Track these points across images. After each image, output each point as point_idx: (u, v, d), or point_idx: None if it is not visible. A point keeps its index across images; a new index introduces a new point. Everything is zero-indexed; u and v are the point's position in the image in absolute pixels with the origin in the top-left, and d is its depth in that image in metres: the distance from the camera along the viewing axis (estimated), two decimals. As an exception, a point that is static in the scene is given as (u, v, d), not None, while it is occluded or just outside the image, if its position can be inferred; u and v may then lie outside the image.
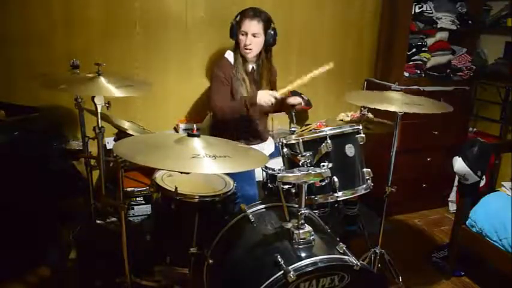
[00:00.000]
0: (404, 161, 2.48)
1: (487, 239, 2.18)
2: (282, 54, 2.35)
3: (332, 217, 2.26)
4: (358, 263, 1.35)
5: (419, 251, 2.67)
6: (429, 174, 3.16)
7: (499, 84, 3.09)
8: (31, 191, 2.08)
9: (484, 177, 2.51)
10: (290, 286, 1.29)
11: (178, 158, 1.32)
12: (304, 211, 1.44)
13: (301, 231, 1.43)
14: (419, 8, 2.90)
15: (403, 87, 2.04)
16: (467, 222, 2.29)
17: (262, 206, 1.73)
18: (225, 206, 1.85)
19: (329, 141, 1.55)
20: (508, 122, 3.08)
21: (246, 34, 2.22)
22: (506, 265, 2.07)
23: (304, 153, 1.56)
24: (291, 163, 1.62)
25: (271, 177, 1.80)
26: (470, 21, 3.06)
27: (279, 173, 1.44)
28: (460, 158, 2.22)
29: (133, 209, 2.27)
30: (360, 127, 1.65)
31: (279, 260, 1.33)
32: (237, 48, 2.31)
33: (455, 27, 3.00)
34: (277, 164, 1.82)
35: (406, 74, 2.96)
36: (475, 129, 3.32)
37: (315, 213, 1.84)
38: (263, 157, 1.52)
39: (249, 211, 1.68)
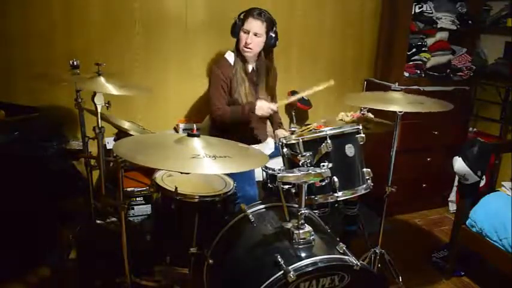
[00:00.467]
0: (404, 161, 2.48)
1: (487, 239, 2.18)
2: (282, 54, 2.35)
3: (332, 217, 2.25)
4: (358, 263, 1.35)
5: (419, 251, 2.67)
6: (429, 174, 3.16)
7: (499, 84, 3.09)
8: (31, 191, 2.08)
9: (484, 177, 2.51)
10: (290, 286, 1.29)
11: (178, 158, 1.32)
12: (304, 211, 1.44)
13: (301, 231, 1.43)
14: (419, 8, 2.90)
15: (403, 87, 2.04)
16: (467, 222, 2.29)
17: (262, 206, 1.73)
18: (225, 206, 1.85)
19: (329, 141, 1.55)
20: (508, 122, 3.08)
21: (248, 32, 2.22)
22: (506, 265, 2.07)
23: (304, 153, 1.56)
24: (291, 163, 1.62)
25: (271, 177, 1.80)
26: (470, 21, 3.06)
27: (279, 173, 1.43)
28: (460, 158, 2.22)
29: (133, 209, 2.26)
30: (360, 127, 1.65)
31: (279, 260, 1.33)
32: (237, 48, 2.31)
33: (455, 27, 3.01)
34: (277, 164, 1.82)
35: (406, 74, 2.96)
36: (475, 129, 3.32)
37: (315, 213, 1.84)
38: (263, 157, 1.52)
39: (249, 211, 1.68)
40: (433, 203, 3.34)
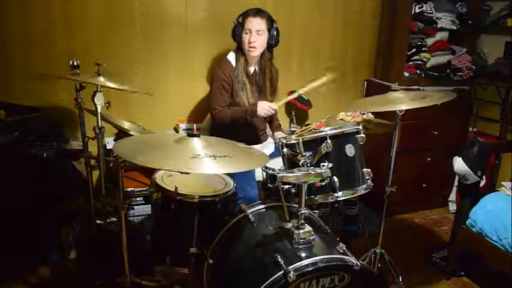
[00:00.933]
0: (404, 161, 2.48)
1: (487, 239, 2.18)
2: (282, 54, 2.35)
3: (332, 217, 2.25)
4: (358, 263, 1.35)
5: (419, 251, 2.67)
6: (429, 174, 3.16)
7: (499, 84, 3.09)
8: (31, 191, 2.08)
9: (484, 177, 2.51)
10: (290, 286, 1.29)
11: (178, 158, 1.32)
12: (304, 211, 1.44)
13: (301, 231, 1.43)
14: (419, 8, 2.90)
15: (403, 87, 2.03)
16: (467, 222, 2.29)
17: (262, 206, 1.73)
18: (225, 206, 1.85)
19: (329, 141, 1.54)
20: (508, 122, 3.08)
21: (250, 32, 2.22)
22: (506, 265, 2.07)
23: (304, 153, 1.56)
24: (291, 163, 1.62)
25: (271, 177, 1.80)
26: (470, 21, 3.06)
27: (279, 173, 1.43)
28: (460, 158, 2.22)
29: (133, 209, 2.27)
30: (360, 127, 1.65)
31: (279, 260, 1.33)
32: (239, 50, 2.30)
33: (455, 27, 3.01)
34: (277, 164, 1.82)
35: (406, 74, 2.96)
36: (475, 129, 3.31)
37: (315, 213, 1.84)
38: (263, 157, 1.52)
39: (249, 211, 1.68)
40: (433, 203, 3.33)
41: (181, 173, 1.44)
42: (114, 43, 2.54)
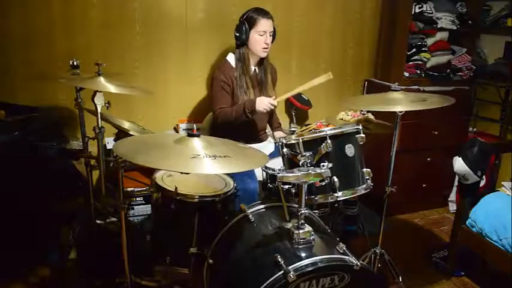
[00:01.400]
0: (404, 161, 2.48)
1: (487, 239, 2.18)
2: (282, 54, 2.35)
3: (332, 217, 2.25)
4: (358, 263, 1.35)
5: (419, 251, 2.67)
6: (429, 174, 3.16)
7: (499, 84, 3.09)
8: (31, 191, 2.08)
9: (484, 177, 2.51)
10: (290, 286, 1.29)
11: (178, 158, 1.32)
12: (304, 211, 1.44)
13: (301, 231, 1.43)
14: (419, 8, 2.90)
15: (403, 87, 2.04)
16: (467, 222, 2.29)
17: (262, 206, 1.73)
18: (225, 206, 1.85)
19: (329, 141, 1.54)
20: (508, 122, 3.08)
21: (265, 33, 2.23)
22: (506, 265, 2.07)
23: (304, 153, 1.56)
24: (291, 163, 1.62)
25: (271, 177, 1.80)
26: (470, 21, 3.06)
27: (279, 173, 1.43)
28: (460, 158, 2.22)
29: (133, 209, 2.27)
30: (360, 127, 1.65)
31: (279, 260, 1.33)
32: (241, 50, 2.29)
33: (455, 27, 3.01)
34: (277, 164, 1.82)
35: (406, 74, 2.96)
36: (475, 129, 3.31)
37: (315, 213, 1.84)
38: (263, 157, 1.52)
39: (249, 211, 1.68)
40: (433, 203, 3.34)
41: (181, 173, 1.43)
42: (114, 43, 2.53)
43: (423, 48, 2.95)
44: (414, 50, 2.94)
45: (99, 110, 1.74)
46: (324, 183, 1.55)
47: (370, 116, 2.28)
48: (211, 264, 1.66)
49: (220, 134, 2.33)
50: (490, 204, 2.25)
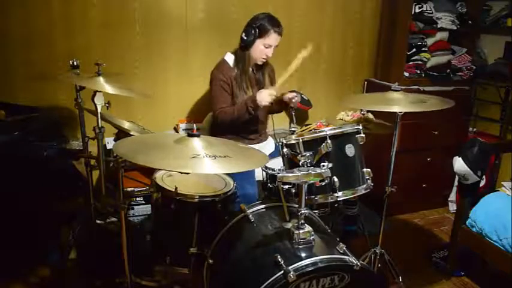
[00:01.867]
0: (404, 161, 2.48)
1: (487, 239, 2.18)
2: (282, 54, 2.35)
3: (332, 217, 2.25)
4: (358, 263, 1.35)
5: (419, 251, 2.67)
6: (429, 174, 3.16)
7: (499, 84, 3.09)
8: (31, 191, 2.08)
9: (484, 177, 2.51)
10: (290, 286, 1.29)
11: (178, 158, 1.32)
12: (304, 211, 1.44)
13: (301, 231, 1.43)
14: (419, 8, 2.90)
15: (403, 87, 2.04)
16: (467, 222, 2.29)
17: (262, 206, 1.73)
18: (225, 206, 1.85)
19: (329, 141, 1.54)
20: (508, 122, 3.08)
21: (270, 47, 2.23)
22: (506, 265, 2.07)
23: (304, 153, 1.56)
24: (291, 163, 1.62)
25: (271, 177, 1.80)
26: (470, 21, 3.06)
27: (279, 173, 1.43)
28: (460, 158, 2.22)
29: (133, 209, 2.27)
30: (360, 127, 1.65)
31: (279, 260, 1.33)
32: (241, 51, 2.29)
33: (455, 27, 3.01)
34: (277, 164, 1.82)
35: (406, 74, 2.96)
36: (475, 129, 3.31)
37: (315, 213, 1.84)
38: (263, 157, 1.52)
39: (249, 211, 1.68)
40: (433, 203, 3.34)
41: (181, 173, 1.43)
42: (114, 43, 2.53)
43: (423, 48, 2.95)
44: (414, 50, 2.94)
45: (99, 110, 1.74)
46: (324, 183, 1.55)
47: (370, 116, 2.28)
48: (211, 264, 1.66)
49: (220, 134, 2.35)
50: (490, 204, 2.25)
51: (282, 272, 1.29)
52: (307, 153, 1.56)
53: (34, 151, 2.14)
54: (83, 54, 2.28)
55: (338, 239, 1.54)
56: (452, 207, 3.25)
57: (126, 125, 2.11)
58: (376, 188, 1.72)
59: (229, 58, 2.33)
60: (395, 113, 1.95)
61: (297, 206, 1.47)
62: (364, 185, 1.65)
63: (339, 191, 1.57)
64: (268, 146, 2.50)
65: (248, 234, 1.62)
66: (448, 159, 2.39)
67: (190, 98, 2.81)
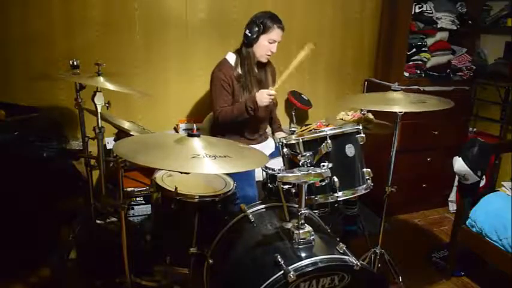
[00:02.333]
0: (404, 161, 2.48)
1: (487, 239, 2.17)
2: (282, 54, 2.35)
3: (332, 217, 2.25)
4: (358, 263, 1.35)
5: (419, 251, 2.67)
6: (429, 174, 3.16)
7: (499, 84, 3.09)
8: (31, 191, 2.08)
9: (484, 177, 2.51)
10: (290, 286, 1.30)
11: (178, 158, 1.32)
12: (304, 211, 1.44)
13: (301, 231, 1.43)
14: (419, 8, 2.90)
15: (403, 87, 2.04)
16: (467, 222, 2.29)
17: (262, 206, 1.74)
18: (225, 206, 1.85)
19: (329, 141, 1.54)
20: (508, 122, 3.08)
21: (274, 42, 2.25)
22: (506, 265, 2.07)
23: (304, 153, 1.56)
24: (291, 163, 1.62)
25: (271, 177, 1.80)
26: (470, 21, 3.06)
27: (279, 173, 1.43)
28: (460, 158, 2.22)
29: (133, 209, 2.27)
30: (360, 127, 1.65)
31: (279, 260, 1.33)
32: (243, 50, 2.29)
33: (455, 27, 3.00)
34: (277, 164, 1.82)
35: (406, 74, 2.96)
36: (475, 129, 3.31)
37: (315, 213, 1.84)
38: (263, 157, 1.52)
39: (249, 211, 1.69)
40: (433, 203, 3.33)
41: (181, 173, 1.43)
42: (114, 43, 2.54)
43: (423, 48, 2.95)
44: (414, 50, 2.94)
45: (99, 110, 1.74)
46: (324, 183, 1.55)
47: (370, 116, 2.27)
48: (211, 264, 1.66)
49: (220, 134, 2.35)
50: (490, 204, 2.25)
51: (282, 272, 1.29)
52: (307, 153, 1.56)
53: (34, 151, 2.15)
54: (83, 54, 2.28)
55: (338, 239, 1.54)
56: (452, 207, 3.24)
57: (126, 125, 2.11)
58: (376, 188, 1.72)
59: (231, 58, 2.33)
60: (395, 113, 1.95)
61: (297, 206, 1.47)
62: (364, 185, 1.65)
63: (339, 191, 1.57)
64: (268, 146, 2.50)
65: (248, 234, 1.62)
66: (448, 159, 2.39)
67: (190, 98, 2.81)
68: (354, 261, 1.35)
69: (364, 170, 1.66)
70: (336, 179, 1.55)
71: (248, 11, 2.42)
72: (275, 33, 2.23)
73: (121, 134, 1.95)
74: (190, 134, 1.42)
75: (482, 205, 2.27)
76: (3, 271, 2.10)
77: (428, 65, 3.02)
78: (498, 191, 2.44)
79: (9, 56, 2.36)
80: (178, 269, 1.84)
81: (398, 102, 1.88)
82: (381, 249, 2.16)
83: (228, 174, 2.00)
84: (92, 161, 2.01)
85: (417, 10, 2.89)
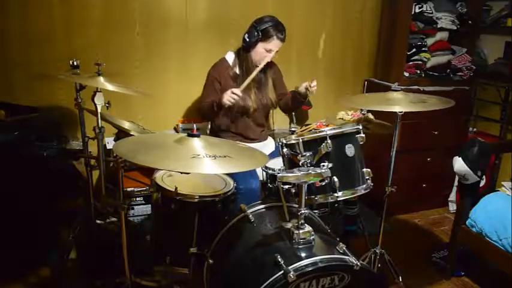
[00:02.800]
0: (404, 161, 2.48)
1: (487, 239, 2.17)
2: (282, 54, 2.35)
3: (332, 217, 2.25)
4: (358, 263, 1.35)
5: (419, 251, 2.67)
6: (429, 174, 3.16)
7: (499, 84, 3.09)
8: (31, 191, 2.08)
9: (484, 177, 2.51)
10: (290, 286, 1.30)
11: (178, 158, 1.32)
12: (304, 211, 1.44)
13: (301, 231, 1.43)
14: (419, 8, 2.90)
15: (403, 87, 2.04)
16: (467, 222, 2.29)
17: (262, 206, 1.74)
18: (225, 206, 1.85)
19: (329, 141, 1.55)
20: (508, 122, 3.08)
21: (271, 51, 2.23)
22: (506, 265, 2.07)
23: (304, 153, 1.56)
24: (291, 163, 1.62)
25: (271, 177, 1.80)
26: (470, 21, 3.06)
27: (279, 173, 1.44)
28: (460, 158, 2.22)
29: (133, 209, 2.26)
30: (360, 127, 1.65)
31: (279, 260, 1.33)
32: (243, 52, 2.29)
33: (455, 27, 3.01)
34: (277, 164, 1.82)
35: (406, 74, 2.96)
36: (475, 129, 3.31)
37: (315, 213, 1.84)
38: (263, 157, 1.52)
39: (249, 211, 1.69)
40: (433, 203, 3.33)
41: (181, 173, 1.44)
42: (114, 43, 2.53)
43: (423, 48, 2.95)
44: (414, 50, 2.94)
45: (99, 110, 1.74)
46: (324, 183, 1.56)
47: (370, 116, 2.27)
48: (211, 264, 1.66)
49: (220, 134, 2.35)
50: (490, 204, 2.25)
51: (282, 272, 1.29)
52: (307, 153, 1.56)
53: (34, 151, 2.14)
54: (83, 54, 2.28)
55: (338, 239, 1.54)
56: (452, 207, 3.24)
57: (126, 125, 2.11)
58: (376, 188, 1.72)
59: (230, 57, 2.34)
60: (396, 113, 1.95)
61: (297, 206, 1.47)
62: (364, 185, 1.65)
63: (339, 191, 1.57)
64: (268, 146, 2.50)
65: (248, 234, 1.62)
66: (448, 159, 2.39)
67: (190, 98, 2.81)
68: (354, 261, 1.35)
69: (364, 170, 1.66)
70: (335, 179, 1.55)
71: (248, 11, 2.42)
72: (273, 44, 2.22)
73: (121, 134, 1.96)
74: (190, 134, 1.42)
75: (482, 205, 2.27)
76: (3, 271, 2.10)
77: (428, 65, 3.02)
78: (498, 191, 2.44)
79: (9, 56, 2.36)
80: (178, 269, 1.84)
81: (399, 102, 1.88)
82: (381, 249, 2.16)
83: (228, 174, 2.00)
84: (92, 161, 2.01)
85: (417, 10, 2.89)
